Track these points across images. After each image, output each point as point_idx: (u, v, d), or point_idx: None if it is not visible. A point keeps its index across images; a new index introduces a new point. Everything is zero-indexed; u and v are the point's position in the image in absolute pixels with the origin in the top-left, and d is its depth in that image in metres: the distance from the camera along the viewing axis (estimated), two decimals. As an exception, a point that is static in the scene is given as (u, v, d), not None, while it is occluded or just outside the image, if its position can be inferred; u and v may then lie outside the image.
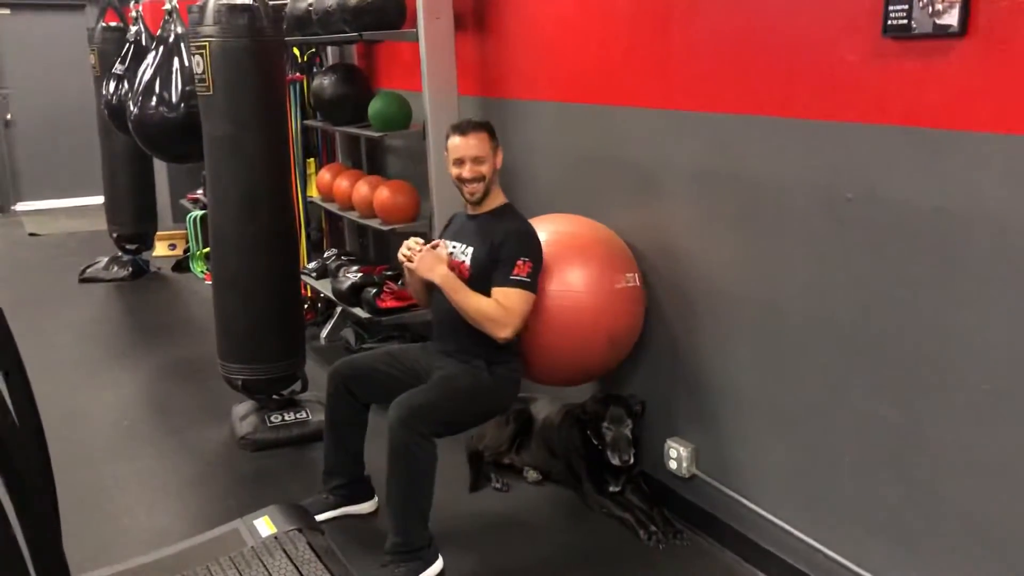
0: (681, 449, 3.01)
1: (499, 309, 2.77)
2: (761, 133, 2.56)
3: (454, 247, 2.93)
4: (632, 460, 3.02)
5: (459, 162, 2.86)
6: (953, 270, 2.09)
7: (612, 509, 3.09)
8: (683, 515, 3.05)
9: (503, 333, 2.77)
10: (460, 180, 2.88)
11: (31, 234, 8.46)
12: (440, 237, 3.07)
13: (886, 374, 2.29)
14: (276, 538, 2.33)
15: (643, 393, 3.17)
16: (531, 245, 2.85)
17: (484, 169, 2.86)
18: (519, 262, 2.78)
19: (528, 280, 2.79)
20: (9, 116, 9.65)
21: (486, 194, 2.89)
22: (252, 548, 2.31)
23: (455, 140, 2.87)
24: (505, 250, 2.80)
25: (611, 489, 3.13)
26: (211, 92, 3.37)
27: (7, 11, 9.48)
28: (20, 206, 9.74)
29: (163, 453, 3.74)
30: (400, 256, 2.95)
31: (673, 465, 3.05)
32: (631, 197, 3.14)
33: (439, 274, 2.84)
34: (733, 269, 2.74)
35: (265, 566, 2.22)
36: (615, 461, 3.02)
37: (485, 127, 2.90)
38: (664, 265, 3.03)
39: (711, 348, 2.88)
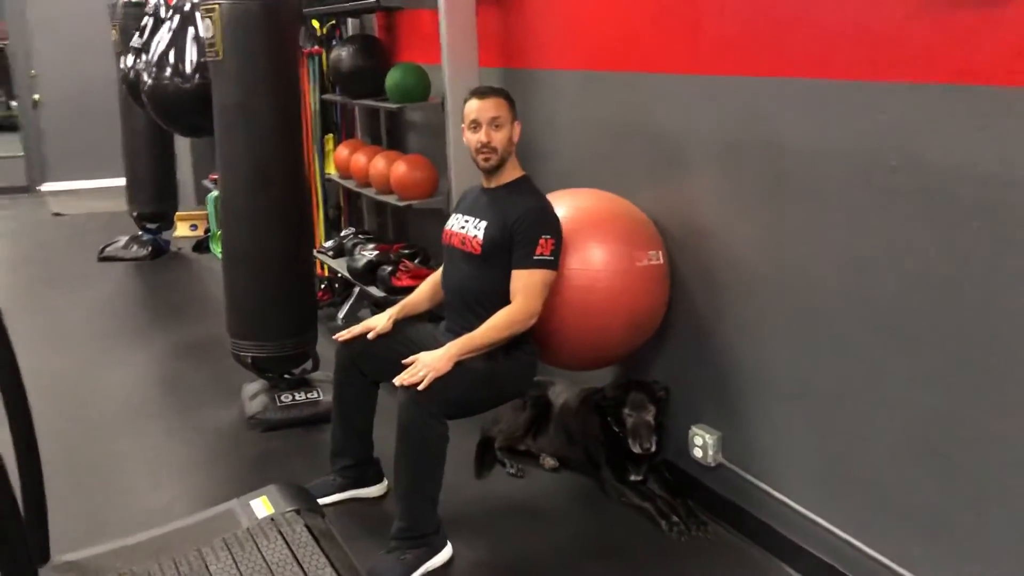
0: (706, 436, 2.85)
1: (513, 311, 2.64)
2: (796, 97, 2.39)
3: (467, 221, 2.79)
4: (653, 448, 2.87)
5: (475, 125, 2.72)
6: (1007, 244, 1.91)
7: (632, 498, 2.94)
8: (707, 506, 2.89)
9: (531, 321, 2.66)
10: (475, 147, 2.74)
11: (55, 214, 8.46)
12: (453, 212, 2.94)
13: (929, 357, 2.12)
14: (272, 520, 2.21)
15: (667, 378, 3.02)
16: (551, 221, 2.71)
17: (500, 135, 2.71)
18: (542, 240, 2.64)
19: (551, 259, 2.67)
20: (37, 96, 9.64)
21: (501, 164, 2.75)
22: (247, 530, 2.19)
23: (472, 103, 2.74)
24: (524, 228, 2.66)
25: (632, 478, 2.98)
26: (221, 57, 3.26)
27: (35, -9, 9.46)
28: (46, 186, 9.75)
29: (171, 432, 3.65)
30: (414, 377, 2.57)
31: (698, 453, 2.89)
32: (656, 170, 2.98)
33: (449, 358, 2.56)
34: (764, 245, 2.58)
35: (259, 548, 2.10)
36: (635, 449, 2.87)
37: (504, 94, 2.76)
38: (690, 242, 2.86)
39: (739, 330, 2.71)
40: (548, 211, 2.73)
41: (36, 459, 2.18)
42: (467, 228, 2.77)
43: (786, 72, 2.40)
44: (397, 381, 2.55)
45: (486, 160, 2.74)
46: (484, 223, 2.73)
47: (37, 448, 2.18)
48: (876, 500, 2.31)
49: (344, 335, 2.87)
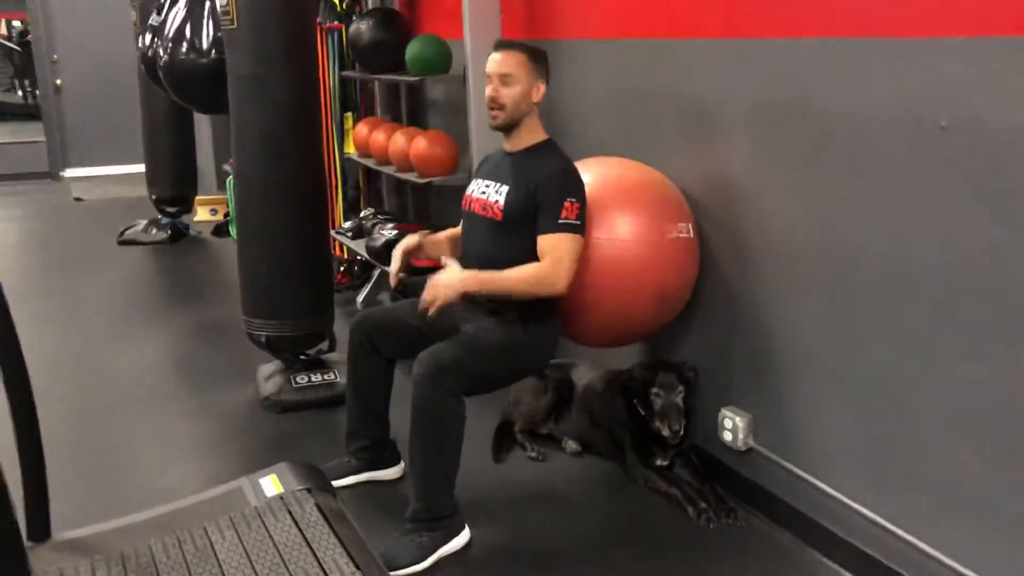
0: (737, 419, 2.72)
1: (542, 267, 2.51)
2: (837, 58, 2.25)
3: (487, 186, 2.67)
4: (682, 431, 2.74)
5: (488, 79, 2.61)
6: (1069, 206, 1.77)
7: (658, 484, 2.81)
8: (738, 492, 2.76)
9: (558, 287, 2.51)
10: (486, 103, 2.63)
11: (76, 199, 8.44)
12: (474, 176, 2.82)
13: (979, 331, 1.98)
14: (282, 498, 2.11)
15: (695, 356, 2.89)
16: (576, 184, 2.58)
17: (510, 92, 2.57)
18: (567, 203, 2.51)
19: (578, 223, 2.53)
20: (59, 82, 9.61)
21: (512, 124, 2.62)
22: (255, 508, 2.09)
23: (491, 56, 2.63)
24: (547, 192, 2.54)
25: (658, 463, 2.85)
26: (235, 25, 3.16)
27: (57, -24, 9.43)
28: (68, 172, 9.73)
29: (185, 412, 3.58)
30: (425, 301, 2.57)
31: (728, 437, 2.76)
32: (687, 139, 2.85)
33: (463, 283, 2.53)
34: (801, 216, 2.44)
35: (266, 527, 2.00)
36: (664, 432, 2.74)
37: (524, 49, 2.61)
38: (722, 214, 2.73)
39: (773, 306, 2.58)
40: (572, 174, 2.60)
41: (37, 437, 2.09)
42: (488, 193, 2.65)
43: (826, 32, 2.27)
44: (421, 307, 2.54)
45: (493, 117, 2.62)
46: (506, 188, 2.61)
47: (38, 425, 2.09)
48: (920, 485, 2.17)
49: (393, 279, 2.78)
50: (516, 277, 2.52)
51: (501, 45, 2.64)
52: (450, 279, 2.55)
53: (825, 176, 2.34)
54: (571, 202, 2.51)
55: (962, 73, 1.94)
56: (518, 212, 2.57)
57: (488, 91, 2.61)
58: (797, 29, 2.36)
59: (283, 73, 3.20)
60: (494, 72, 2.60)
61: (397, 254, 2.78)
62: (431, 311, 2.52)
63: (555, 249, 2.51)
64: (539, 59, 2.63)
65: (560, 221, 2.51)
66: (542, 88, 2.63)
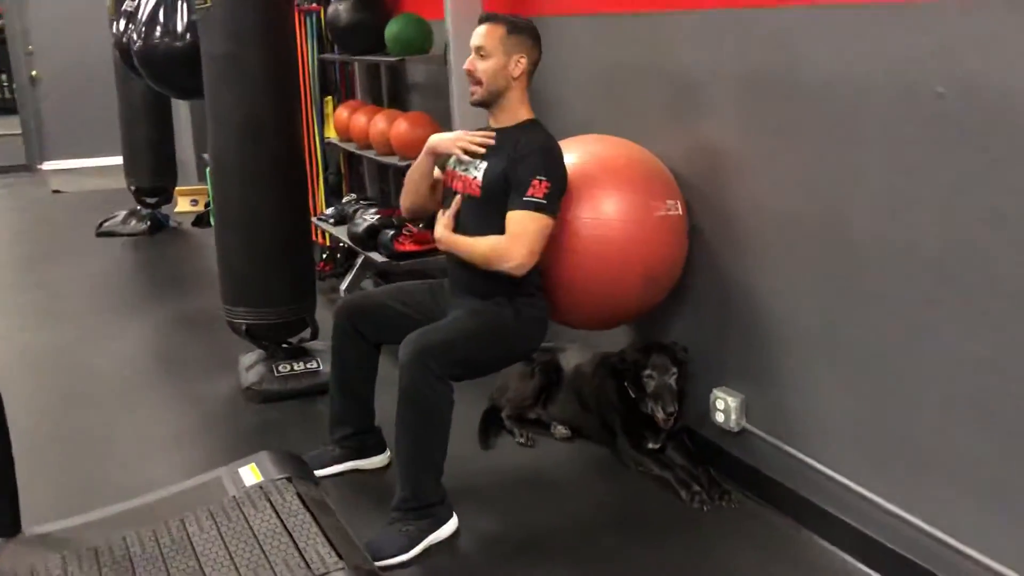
0: (729, 400, 2.66)
1: (499, 241, 2.45)
2: (829, 25, 2.19)
3: (468, 163, 2.59)
4: (676, 410, 2.68)
5: (470, 52, 2.53)
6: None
7: (650, 467, 2.76)
8: (731, 474, 2.71)
9: (508, 264, 2.43)
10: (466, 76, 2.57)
11: (54, 191, 8.31)
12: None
13: (980, 305, 1.92)
14: (261, 487, 2.05)
15: (685, 337, 2.83)
16: (550, 162, 2.49)
17: (485, 65, 2.50)
18: (535, 181, 2.43)
19: (543, 201, 2.43)
20: (34, 73, 9.45)
21: (491, 99, 2.54)
22: (234, 498, 2.03)
23: (476, 29, 2.55)
24: (521, 169, 2.46)
25: (649, 446, 2.80)
26: (209, 4, 3.07)
27: (31, -35, 9.27)
28: (46, 165, 9.58)
29: (164, 403, 3.50)
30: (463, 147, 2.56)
31: (720, 418, 2.70)
32: (674, 115, 2.78)
33: (438, 229, 2.60)
34: (792, 191, 2.38)
35: (246, 518, 1.93)
36: (659, 414, 2.68)
37: (503, 22, 2.53)
38: (711, 190, 2.67)
39: (765, 284, 2.52)
40: (550, 151, 2.51)
41: (3, 430, 2.02)
42: (468, 170, 2.58)
43: (816, -2, 2.21)
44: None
45: (472, 92, 2.55)
46: (484, 164, 2.53)
47: (4, 419, 2.02)
48: (919, 463, 2.12)
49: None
50: (475, 245, 2.50)
51: (484, 19, 2.56)
52: (437, 226, 2.61)
53: (817, 148, 2.28)
54: (539, 180, 2.43)
55: (959, 36, 1.88)
56: (496, 189, 2.50)
57: (465, 64, 2.54)
58: (786, -3, 2.30)
59: (260, 53, 3.11)
60: (472, 45, 2.53)
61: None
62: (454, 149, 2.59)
63: (515, 226, 2.44)
64: (520, 32, 2.54)
65: (525, 199, 2.43)
66: (523, 62, 2.53)
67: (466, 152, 2.56)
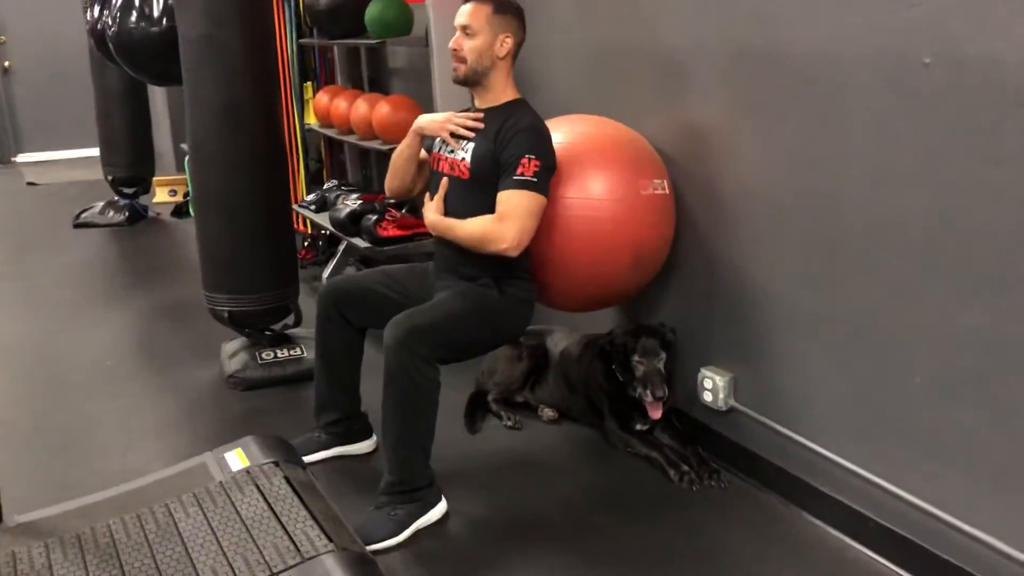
0: (717, 379, 2.65)
1: (491, 222, 2.42)
2: (815, -1, 2.17)
3: (455, 143, 2.56)
4: (666, 396, 2.67)
5: (455, 31, 2.50)
6: (1060, 140, 1.71)
7: (639, 447, 2.75)
8: (720, 453, 2.70)
9: (502, 245, 2.39)
10: (450, 53, 2.54)
11: (29, 183, 8.19)
12: None
13: (971, 276, 1.92)
14: (248, 472, 2.02)
15: (673, 316, 2.82)
16: (539, 142, 2.47)
17: (469, 44, 2.47)
18: (524, 160, 2.41)
19: (534, 180, 2.41)
20: (7, 64, 9.31)
21: (475, 78, 2.51)
22: (220, 483, 2.00)
23: (461, 7, 2.52)
24: (510, 149, 2.43)
25: (637, 427, 2.78)
26: (185, -14, 3.01)
27: (2, -47, 9.11)
28: (21, 157, 9.44)
29: (146, 393, 3.45)
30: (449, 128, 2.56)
31: (708, 397, 2.69)
32: (659, 93, 2.76)
33: (427, 214, 2.57)
34: (779, 167, 2.37)
35: (232, 502, 1.90)
36: (647, 398, 2.67)
37: (492, 2, 2.49)
38: (697, 168, 2.65)
39: (752, 262, 2.51)
40: (538, 131, 2.49)
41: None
42: (455, 151, 2.55)
43: (803, -30, 2.19)
44: None
45: (455, 70, 2.52)
46: (472, 145, 2.50)
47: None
48: (909, 438, 2.12)
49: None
50: (467, 229, 2.47)
51: None
52: (426, 212, 2.57)
53: (804, 123, 2.27)
54: (529, 159, 2.40)
55: (944, 5, 1.87)
56: (484, 169, 2.47)
57: (451, 43, 2.51)
58: (772, -29, 2.28)
59: (238, 35, 3.05)
60: (457, 24, 2.51)
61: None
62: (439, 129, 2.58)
63: (505, 206, 2.41)
64: (507, 11, 2.51)
65: (515, 178, 2.40)
66: (508, 42, 2.51)
67: (453, 136, 2.53)
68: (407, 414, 2.35)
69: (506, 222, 2.39)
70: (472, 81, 2.52)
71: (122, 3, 4.06)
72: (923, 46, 1.92)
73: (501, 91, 2.55)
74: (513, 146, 2.43)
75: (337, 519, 1.87)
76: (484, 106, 2.56)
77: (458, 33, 2.50)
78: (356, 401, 2.80)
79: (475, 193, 2.49)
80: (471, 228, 2.46)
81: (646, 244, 2.65)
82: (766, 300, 2.48)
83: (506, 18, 2.50)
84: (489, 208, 2.45)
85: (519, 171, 2.40)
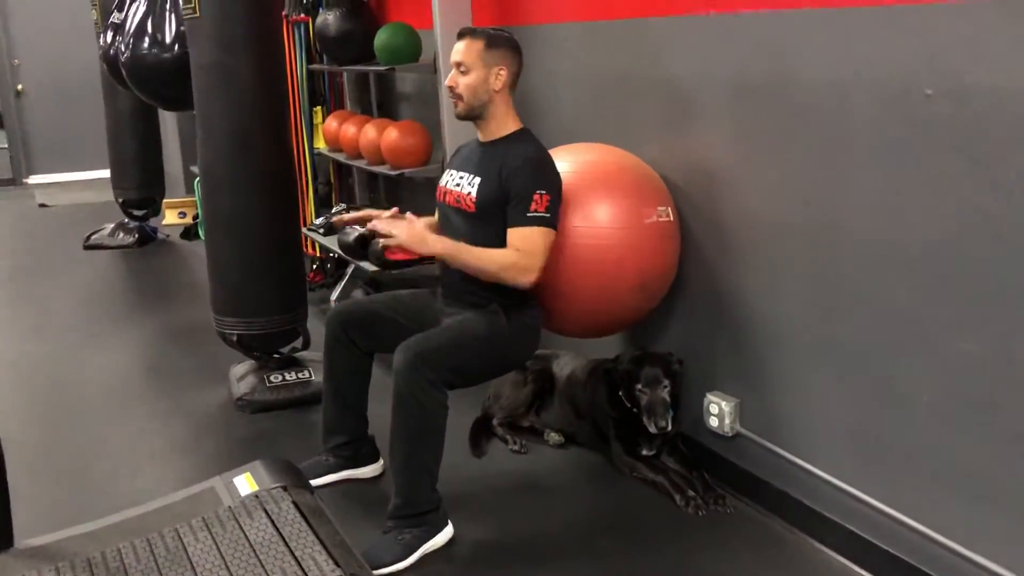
0: (723, 404, 2.67)
1: (515, 254, 2.44)
2: (818, 30, 2.20)
3: (461, 178, 2.60)
4: (669, 426, 2.68)
5: (451, 68, 2.54)
6: (1060, 172, 1.73)
7: (644, 472, 2.75)
8: (726, 478, 2.71)
9: (526, 279, 2.44)
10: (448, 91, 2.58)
11: (41, 205, 8.26)
12: (446, 168, 2.75)
13: (974, 303, 1.93)
14: (257, 496, 2.02)
15: (678, 343, 2.83)
16: (546, 174, 2.50)
17: (466, 80, 2.50)
18: (536, 196, 2.44)
19: (547, 215, 2.45)
20: (20, 87, 9.41)
21: (475, 113, 2.55)
22: (229, 508, 2.00)
23: (455, 44, 2.56)
24: (518, 183, 2.46)
25: (643, 452, 2.79)
26: (198, 14, 3.06)
27: (16, -23, 9.23)
28: (33, 179, 9.53)
29: (154, 416, 3.47)
30: (381, 235, 2.56)
31: (714, 423, 2.70)
32: (664, 122, 2.79)
33: (434, 246, 2.51)
34: (783, 196, 2.39)
35: (241, 527, 1.91)
36: (651, 428, 2.68)
37: (480, 36, 2.52)
38: (702, 196, 2.67)
39: (757, 288, 2.53)
40: (545, 163, 2.53)
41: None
42: (461, 185, 2.58)
43: (807, 2, 2.22)
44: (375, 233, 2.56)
45: (455, 106, 2.55)
46: (478, 179, 2.53)
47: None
48: (913, 464, 2.13)
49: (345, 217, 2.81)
50: (487, 257, 2.47)
51: (463, 33, 2.56)
52: (421, 231, 2.53)
53: (807, 153, 2.29)
54: (540, 194, 2.44)
55: (946, 38, 1.90)
56: (490, 203, 2.50)
57: (447, 80, 2.55)
58: (775, 1, 2.31)
59: (249, 62, 3.11)
60: (451, 61, 2.55)
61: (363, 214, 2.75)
62: (381, 239, 2.55)
63: (525, 243, 2.45)
64: (499, 44, 2.54)
65: (529, 214, 2.44)
66: (504, 74, 2.53)
67: (458, 170, 2.62)
68: (415, 438, 2.36)
69: (528, 259, 2.43)
70: (472, 116, 2.56)
71: (135, 29, 4.11)
72: (924, 77, 1.95)
73: (502, 122, 2.58)
74: (522, 179, 2.46)
75: (344, 544, 1.88)
76: (487, 138, 2.60)
77: (453, 70, 2.53)
78: (364, 424, 2.82)
79: (481, 226, 2.52)
80: (486, 259, 2.47)
81: (651, 271, 2.67)
82: (771, 326, 2.50)
83: (499, 51, 2.53)
84: (494, 238, 2.49)
85: (532, 207, 2.43)
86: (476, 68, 2.50)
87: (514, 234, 2.46)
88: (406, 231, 2.50)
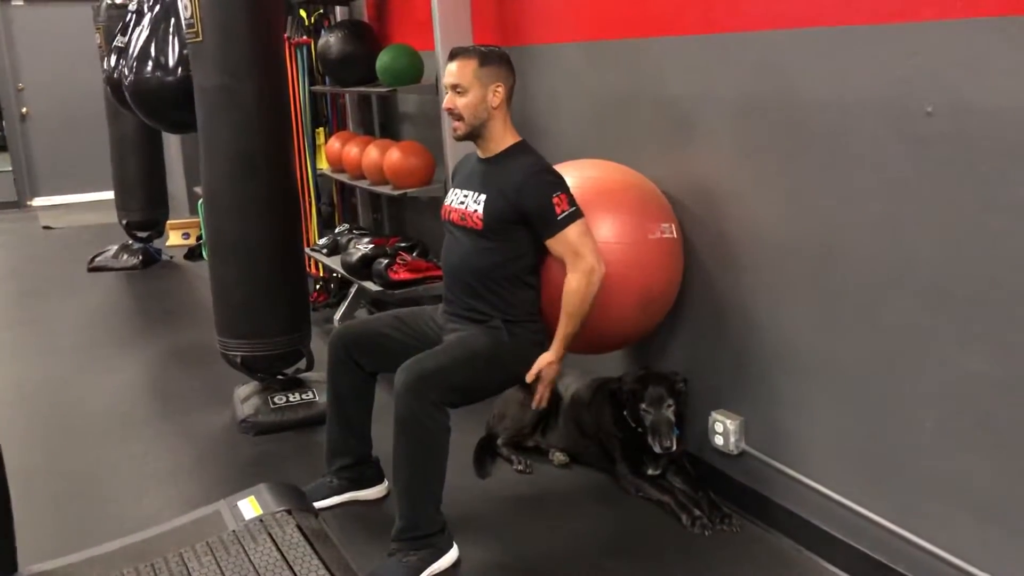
0: (728, 423, 2.66)
1: (574, 274, 2.47)
2: (819, 49, 2.21)
3: (465, 196, 2.60)
4: (674, 446, 2.67)
5: (446, 91, 2.55)
6: (1063, 188, 1.73)
7: (650, 492, 2.74)
8: (732, 497, 2.70)
9: (600, 272, 2.48)
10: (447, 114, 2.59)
11: (45, 227, 8.30)
12: (450, 187, 2.75)
13: (978, 322, 1.93)
14: (261, 520, 2.02)
15: (683, 361, 2.83)
16: (552, 178, 2.53)
17: (463, 101, 2.50)
18: (555, 199, 2.46)
19: (572, 209, 2.48)
20: (25, 110, 9.47)
21: (474, 133, 2.55)
22: (233, 532, 2.00)
23: (447, 66, 2.56)
24: (532, 199, 2.47)
25: (649, 472, 2.78)
26: (201, 39, 3.08)
27: (21, 2, 9.30)
28: (37, 201, 9.57)
29: (159, 438, 3.47)
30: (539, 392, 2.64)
31: (719, 441, 2.69)
32: (667, 140, 2.80)
33: (560, 354, 2.59)
34: (786, 212, 2.39)
35: (246, 551, 1.91)
36: (656, 448, 2.67)
37: (474, 55, 2.52)
38: (705, 213, 2.68)
39: (761, 305, 2.53)
40: (546, 169, 2.54)
41: (0, 466, 1.99)
42: (466, 203, 2.58)
43: (807, 22, 2.23)
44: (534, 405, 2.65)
45: (454, 129, 2.56)
46: (484, 196, 2.54)
47: (1, 455, 1.99)
48: (919, 482, 2.12)
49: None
50: (573, 301, 2.48)
51: (454, 54, 2.55)
52: (548, 361, 2.58)
53: (809, 170, 2.29)
54: (558, 196, 2.47)
55: (946, 56, 1.90)
56: (497, 220, 2.51)
57: (444, 103, 2.55)
58: (775, 20, 2.32)
59: (252, 85, 3.12)
60: (447, 83, 2.54)
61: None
62: (542, 397, 2.63)
63: (570, 245, 2.47)
64: (493, 61, 2.54)
65: (560, 218, 2.46)
66: (500, 91, 2.53)
67: (462, 190, 2.65)
68: (417, 460, 2.36)
69: (581, 259, 2.46)
70: (472, 136, 2.56)
71: (138, 53, 4.13)
72: (925, 95, 1.95)
73: (501, 138, 2.58)
74: (534, 193, 2.47)
75: (349, 568, 1.88)
76: (487, 155, 2.60)
77: (449, 93, 2.53)
78: (368, 446, 2.81)
79: (488, 243, 2.53)
80: (575, 302, 2.48)
81: (655, 287, 2.67)
82: (775, 344, 2.49)
83: (493, 68, 2.53)
84: (502, 255, 2.51)
85: (557, 211, 2.45)
86: (473, 88, 2.50)
87: (557, 244, 2.48)
88: (550, 375, 2.59)
